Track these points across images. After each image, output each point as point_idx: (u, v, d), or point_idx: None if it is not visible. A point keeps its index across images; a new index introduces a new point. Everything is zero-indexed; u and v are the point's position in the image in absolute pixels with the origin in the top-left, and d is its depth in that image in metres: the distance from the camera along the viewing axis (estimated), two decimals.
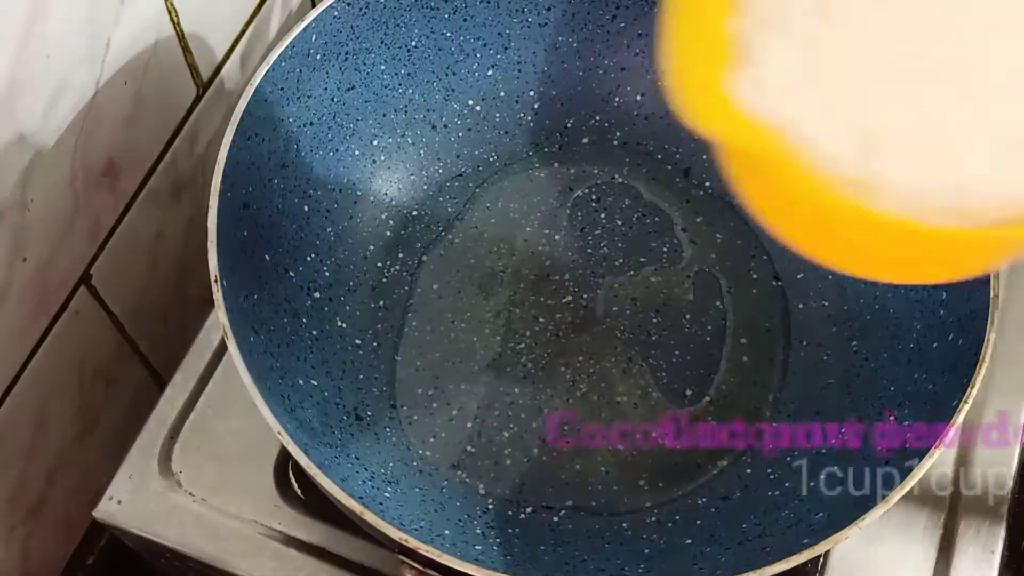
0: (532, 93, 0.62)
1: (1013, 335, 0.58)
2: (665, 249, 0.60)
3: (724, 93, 0.30)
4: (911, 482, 0.43)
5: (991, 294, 0.47)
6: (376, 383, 0.54)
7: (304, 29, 0.52)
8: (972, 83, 0.29)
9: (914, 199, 0.29)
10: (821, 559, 0.53)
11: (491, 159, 0.62)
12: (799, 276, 0.58)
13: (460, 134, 0.62)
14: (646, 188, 0.62)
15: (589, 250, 0.60)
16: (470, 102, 0.61)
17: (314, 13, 0.52)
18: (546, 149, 0.63)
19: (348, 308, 0.56)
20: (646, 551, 0.50)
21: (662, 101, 0.62)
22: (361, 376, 0.55)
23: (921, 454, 0.44)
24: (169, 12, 0.56)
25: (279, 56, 0.51)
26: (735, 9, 0.31)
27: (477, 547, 0.48)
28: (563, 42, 0.61)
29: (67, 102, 0.51)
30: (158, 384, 0.68)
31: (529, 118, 0.63)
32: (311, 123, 0.55)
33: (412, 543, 0.42)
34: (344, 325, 0.56)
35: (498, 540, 0.50)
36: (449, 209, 0.61)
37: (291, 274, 0.54)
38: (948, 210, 0.29)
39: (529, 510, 0.52)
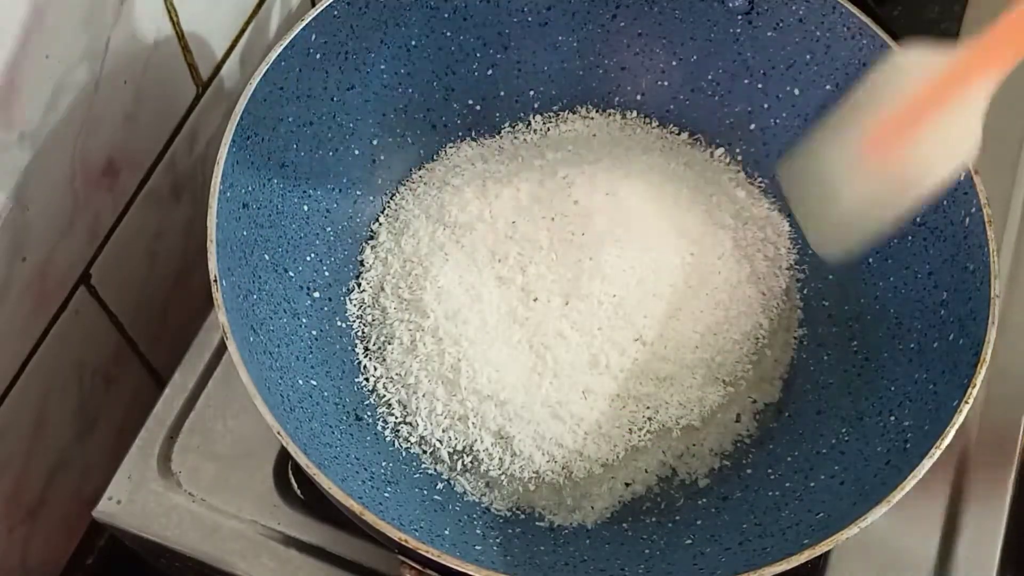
0: (532, 93, 0.62)
1: (1013, 335, 0.58)
2: None
3: None
4: (911, 482, 0.43)
5: (991, 294, 0.47)
6: (376, 383, 0.54)
7: (304, 28, 0.52)
8: None
9: None
10: (821, 559, 0.53)
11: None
12: (799, 276, 0.58)
13: (460, 134, 0.62)
14: None
15: None
16: (470, 102, 0.61)
17: (314, 12, 0.52)
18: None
19: (348, 308, 0.56)
20: (646, 551, 0.50)
21: (661, 101, 0.62)
22: (361, 376, 0.54)
23: (921, 454, 0.44)
24: (169, 12, 0.56)
25: (279, 56, 0.51)
26: None
27: (477, 547, 0.48)
28: (563, 42, 0.61)
29: (67, 102, 0.51)
30: (158, 384, 0.68)
31: (529, 117, 0.63)
32: (311, 123, 0.55)
33: (412, 543, 0.42)
34: (344, 325, 0.56)
35: (498, 540, 0.50)
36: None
37: (291, 274, 0.54)
38: None
39: (529, 510, 0.52)
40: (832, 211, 0.46)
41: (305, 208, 0.55)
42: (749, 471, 0.53)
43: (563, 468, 0.52)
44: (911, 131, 0.42)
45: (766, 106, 0.59)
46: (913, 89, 0.43)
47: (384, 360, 0.54)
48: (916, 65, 0.44)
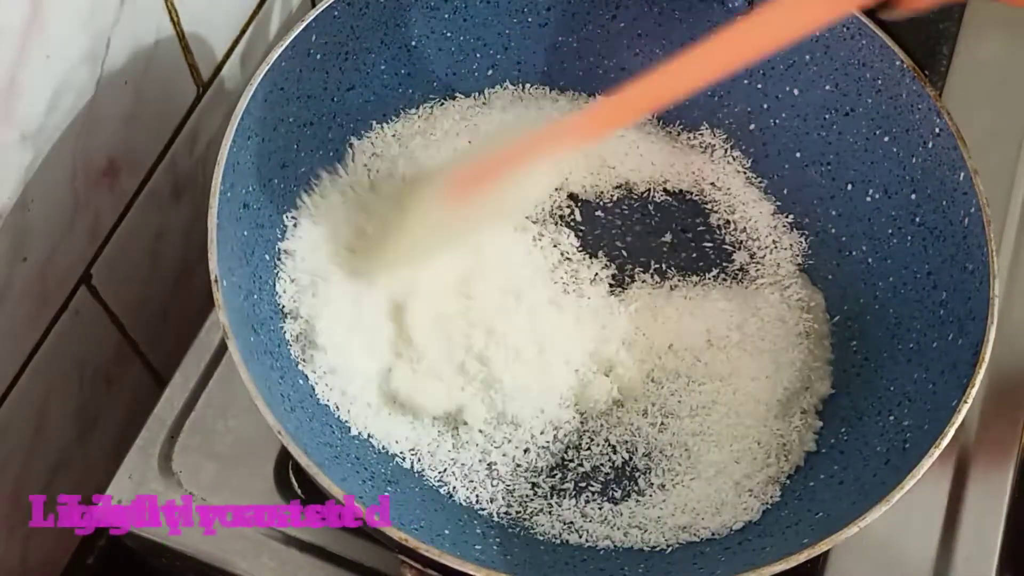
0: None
1: (1013, 335, 0.58)
2: (665, 249, 0.60)
3: None
4: (911, 482, 0.43)
5: (990, 294, 0.47)
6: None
7: (304, 29, 0.52)
8: None
9: None
10: (821, 559, 0.53)
11: None
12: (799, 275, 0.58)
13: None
14: None
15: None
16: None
17: (314, 13, 0.52)
18: None
19: None
20: (646, 551, 0.50)
21: None
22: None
23: (921, 454, 0.44)
24: (169, 12, 0.56)
25: (279, 56, 0.51)
26: None
27: (477, 547, 0.48)
28: (563, 42, 0.61)
29: (67, 102, 0.51)
30: (158, 384, 0.68)
31: None
32: (311, 123, 0.55)
33: (412, 543, 0.42)
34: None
35: (498, 540, 0.50)
36: None
37: None
38: None
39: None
40: (399, 236, 0.51)
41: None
42: None
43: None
44: (485, 183, 0.49)
45: (766, 106, 0.59)
46: (503, 147, 0.50)
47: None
48: (517, 127, 0.51)
